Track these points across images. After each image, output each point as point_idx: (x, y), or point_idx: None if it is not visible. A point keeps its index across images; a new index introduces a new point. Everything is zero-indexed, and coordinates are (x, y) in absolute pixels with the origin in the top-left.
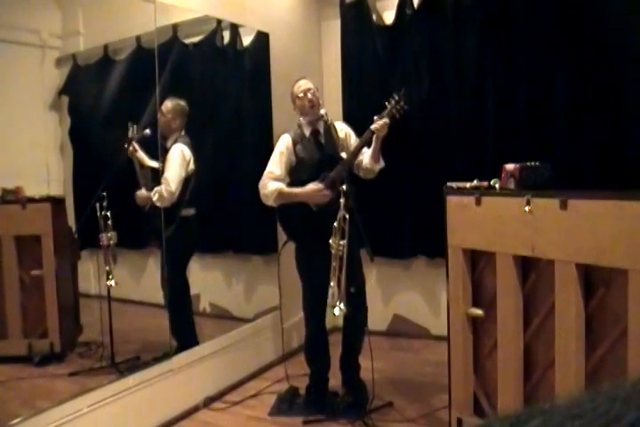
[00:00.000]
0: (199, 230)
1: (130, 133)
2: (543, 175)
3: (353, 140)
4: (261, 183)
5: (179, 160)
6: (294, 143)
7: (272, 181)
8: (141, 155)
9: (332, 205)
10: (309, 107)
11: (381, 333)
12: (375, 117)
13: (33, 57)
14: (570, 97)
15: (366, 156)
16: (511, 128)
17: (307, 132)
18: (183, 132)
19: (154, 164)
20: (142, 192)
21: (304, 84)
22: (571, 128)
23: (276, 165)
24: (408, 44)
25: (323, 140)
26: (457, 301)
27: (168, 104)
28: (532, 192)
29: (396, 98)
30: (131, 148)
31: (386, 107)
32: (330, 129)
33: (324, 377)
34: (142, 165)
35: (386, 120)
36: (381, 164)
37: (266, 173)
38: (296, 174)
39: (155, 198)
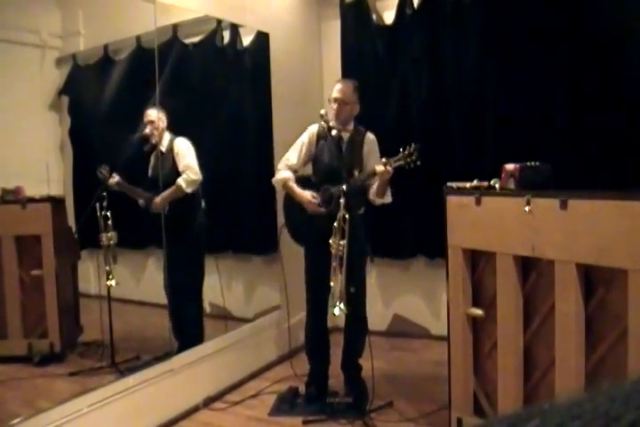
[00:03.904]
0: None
1: (106, 177)
2: (543, 175)
3: (372, 160)
4: (278, 166)
5: (189, 149)
6: (318, 137)
7: (284, 170)
8: (126, 185)
9: (330, 211)
10: (334, 115)
11: (381, 333)
12: (383, 160)
13: (33, 57)
14: (570, 97)
15: (371, 190)
16: (511, 128)
17: (333, 132)
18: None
19: (138, 190)
20: (158, 198)
21: (337, 90)
22: (571, 128)
23: (296, 153)
24: (408, 44)
25: (344, 149)
26: (457, 301)
27: (154, 112)
28: (532, 192)
29: (411, 150)
30: (112, 181)
31: (399, 152)
32: (354, 141)
33: (323, 374)
34: (132, 192)
35: (390, 170)
36: (387, 199)
37: (284, 158)
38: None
39: (184, 185)
